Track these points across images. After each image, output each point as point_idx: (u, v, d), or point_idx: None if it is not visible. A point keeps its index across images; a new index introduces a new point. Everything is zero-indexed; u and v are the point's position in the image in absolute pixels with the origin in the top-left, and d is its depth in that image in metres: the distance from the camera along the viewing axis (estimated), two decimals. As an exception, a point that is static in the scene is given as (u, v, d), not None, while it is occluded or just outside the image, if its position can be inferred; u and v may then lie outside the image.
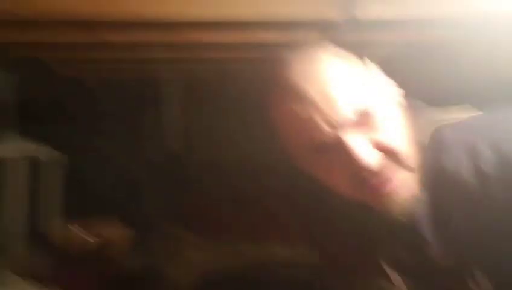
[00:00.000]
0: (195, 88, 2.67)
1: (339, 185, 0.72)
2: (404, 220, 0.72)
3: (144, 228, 1.99)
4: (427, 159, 0.72)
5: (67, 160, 2.16)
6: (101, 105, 2.48)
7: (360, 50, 0.76)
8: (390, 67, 0.78)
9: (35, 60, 1.84)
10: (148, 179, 2.36)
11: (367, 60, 0.75)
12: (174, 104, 2.69)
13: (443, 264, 0.74)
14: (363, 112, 0.67)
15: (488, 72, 1.43)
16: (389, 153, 0.68)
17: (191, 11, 1.20)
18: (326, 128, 0.67)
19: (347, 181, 0.70)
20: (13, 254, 1.55)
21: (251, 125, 1.96)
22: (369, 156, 0.66)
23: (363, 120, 0.67)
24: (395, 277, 0.82)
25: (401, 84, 0.76)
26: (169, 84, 2.68)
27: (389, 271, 0.83)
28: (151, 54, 1.79)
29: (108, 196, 2.08)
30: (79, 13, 1.16)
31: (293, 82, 0.70)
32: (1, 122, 2.01)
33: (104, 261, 1.60)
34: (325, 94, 0.67)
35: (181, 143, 2.65)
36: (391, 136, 0.69)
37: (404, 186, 0.69)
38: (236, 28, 1.40)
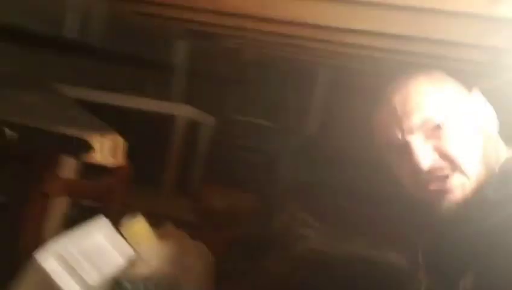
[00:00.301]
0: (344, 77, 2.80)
1: (406, 183, 0.84)
2: (450, 221, 0.82)
3: (271, 202, 2.32)
4: (491, 185, 0.79)
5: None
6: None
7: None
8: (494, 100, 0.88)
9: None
10: (284, 158, 2.63)
11: (474, 90, 0.86)
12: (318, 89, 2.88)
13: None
14: (433, 123, 0.79)
15: None
16: (449, 160, 0.78)
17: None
18: (398, 132, 0.81)
19: (411, 179, 0.82)
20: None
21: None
22: (426, 158, 0.78)
23: (433, 131, 0.79)
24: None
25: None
26: (318, 69, 2.85)
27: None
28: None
29: (245, 170, 2.44)
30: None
31: (387, 92, 0.86)
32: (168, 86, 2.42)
33: (230, 225, 1.98)
34: (404, 104, 0.81)
35: (319, 128, 2.85)
36: (456, 147, 0.79)
37: (459, 190, 0.79)
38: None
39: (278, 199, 2.41)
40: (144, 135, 1.85)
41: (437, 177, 0.79)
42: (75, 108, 1.33)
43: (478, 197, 0.79)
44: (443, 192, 0.79)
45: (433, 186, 0.80)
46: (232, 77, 2.73)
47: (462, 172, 0.79)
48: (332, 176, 2.50)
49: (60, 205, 1.32)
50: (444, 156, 0.79)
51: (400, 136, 0.82)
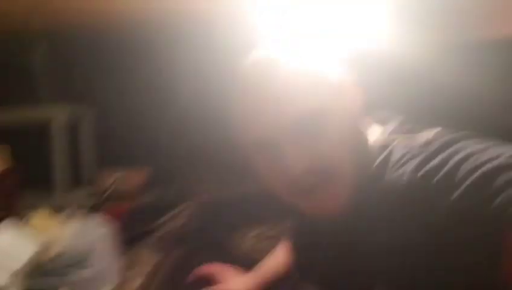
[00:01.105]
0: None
1: (276, 187, 0.74)
2: (330, 228, 0.75)
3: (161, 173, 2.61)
4: (373, 173, 0.72)
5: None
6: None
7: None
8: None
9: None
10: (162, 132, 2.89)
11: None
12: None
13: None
14: (307, 122, 0.67)
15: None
16: (324, 168, 0.68)
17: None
18: (268, 128, 0.68)
19: (281, 183, 0.72)
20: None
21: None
22: (298, 166, 0.67)
23: (306, 131, 0.67)
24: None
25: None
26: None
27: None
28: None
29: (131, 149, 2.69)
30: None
31: (245, 77, 0.72)
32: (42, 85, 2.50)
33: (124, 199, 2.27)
34: (272, 96, 0.68)
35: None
36: (330, 150, 0.68)
37: (333, 199, 0.70)
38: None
39: (165, 169, 2.71)
40: (26, 141, 2.00)
41: (310, 185, 0.69)
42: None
43: (357, 205, 0.71)
44: (319, 204, 0.71)
45: (306, 197, 0.71)
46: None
47: (338, 177, 0.70)
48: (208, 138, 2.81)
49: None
50: (318, 159, 0.68)
51: (267, 133, 0.69)
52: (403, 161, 0.69)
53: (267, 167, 0.73)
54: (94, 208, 1.98)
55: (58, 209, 1.76)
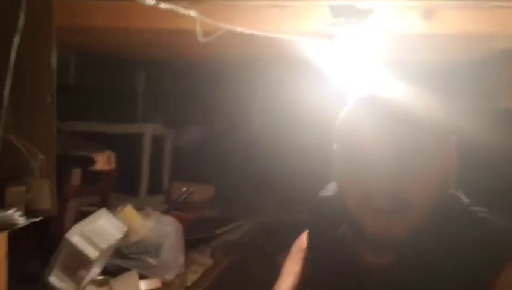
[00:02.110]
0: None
1: (353, 198, 0.82)
2: None
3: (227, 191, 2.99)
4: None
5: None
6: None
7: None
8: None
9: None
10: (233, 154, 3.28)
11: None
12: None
13: None
14: (408, 156, 0.74)
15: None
16: (407, 199, 0.75)
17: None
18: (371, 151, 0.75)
19: (361, 198, 0.79)
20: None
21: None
22: (388, 189, 0.74)
23: (405, 163, 0.74)
24: None
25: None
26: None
27: None
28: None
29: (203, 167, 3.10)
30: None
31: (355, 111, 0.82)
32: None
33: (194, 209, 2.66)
34: (383, 129, 0.76)
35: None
36: (420, 185, 0.75)
37: (401, 227, 0.77)
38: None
39: (231, 188, 3.09)
40: (121, 151, 2.46)
41: (389, 208, 0.74)
42: (75, 137, 1.96)
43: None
44: (386, 227, 0.76)
45: (379, 217, 0.75)
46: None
47: (415, 211, 0.75)
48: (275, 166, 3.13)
49: (72, 205, 1.96)
50: (407, 190, 0.74)
51: (369, 152, 0.74)
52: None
53: (354, 178, 0.77)
54: (166, 212, 2.38)
55: (139, 208, 2.17)
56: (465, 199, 0.82)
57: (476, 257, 0.70)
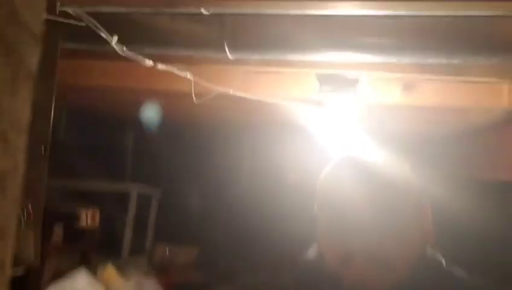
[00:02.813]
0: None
1: (331, 255, 0.82)
2: None
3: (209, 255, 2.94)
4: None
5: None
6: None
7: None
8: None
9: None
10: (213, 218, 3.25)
11: None
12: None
13: None
14: (390, 224, 0.75)
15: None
16: (388, 263, 0.76)
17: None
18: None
19: (341, 256, 0.78)
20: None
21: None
22: (369, 255, 0.74)
23: (386, 233, 0.76)
24: None
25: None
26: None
27: None
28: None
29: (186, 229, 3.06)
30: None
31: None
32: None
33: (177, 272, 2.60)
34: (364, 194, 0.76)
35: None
36: (401, 252, 0.77)
37: (378, 284, 0.78)
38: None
39: (215, 250, 3.04)
40: (106, 209, 2.44)
41: (368, 270, 0.75)
42: (61, 193, 1.95)
43: None
44: (364, 282, 0.77)
45: (357, 274, 0.77)
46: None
47: (393, 273, 0.77)
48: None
49: (52, 262, 1.91)
50: (387, 254, 0.75)
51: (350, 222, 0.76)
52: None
53: (335, 238, 0.78)
54: (149, 273, 2.32)
55: (120, 269, 2.12)
56: (442, 260, 0.83)
57: None
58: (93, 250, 2.11)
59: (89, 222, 1.81)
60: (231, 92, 1.32)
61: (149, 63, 1.10)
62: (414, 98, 1.52)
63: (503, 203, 1.72)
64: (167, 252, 2.78)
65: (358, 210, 0.76)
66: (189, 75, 1.21)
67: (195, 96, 1.27)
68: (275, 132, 2.81)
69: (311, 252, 1.05)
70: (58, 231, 1.87)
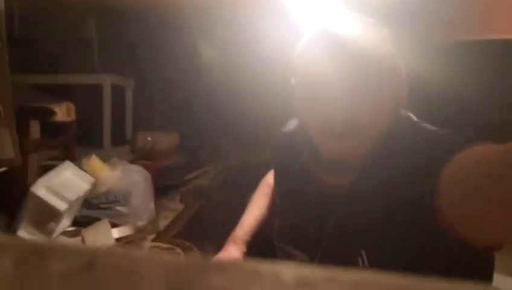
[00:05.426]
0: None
1: (311, 125, 0.86)
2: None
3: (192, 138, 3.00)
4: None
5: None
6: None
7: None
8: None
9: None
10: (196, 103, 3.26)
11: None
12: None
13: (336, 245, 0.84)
14: (364, 80, 0.77)
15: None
16: (361, 125, 0.78)
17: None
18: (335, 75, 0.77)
19: (318, 124, 0.82)
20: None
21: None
22: (342, 116, 0.78)
23: (360, 88, 0.78)
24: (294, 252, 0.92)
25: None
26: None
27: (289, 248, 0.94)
28: None
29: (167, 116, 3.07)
30: None
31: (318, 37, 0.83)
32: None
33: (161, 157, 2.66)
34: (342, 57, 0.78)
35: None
36: (373, 111, 0.79)
37: (354, 149, 0.81)
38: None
39: (195, 134, 3.09)
40: (81, 102, 2.39)
41: (342, 132, 0.78)
42: (31, 90, 1.89)
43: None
44: (341, 149, 0.81)
45: (334, 140, 0.79)
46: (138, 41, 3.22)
47: (367, 135, 0.80)
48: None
49: (33, 159, 1.92)
50: (360, 115, 0.77)
51: (326, 82, 0.78)
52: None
53: (312, 108, 0.81)
54: (133, 162, 2.37)
55: (104, 159, 2.15)
56: (414, 118, 0.86)
57: (422, 167, 0.72)
58: (73, 143, 2.11)
59: (65, 116, 1.78)
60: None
61: None
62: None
63: (481, 61, 1.75)
64: (149, 139, 2.81)
65: (334, 78, 0.77)
66: None
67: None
68: (245, 11, 2.69)
69: (290, 125, 1.08)
70: (35, 127, 1.85)
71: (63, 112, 1.72)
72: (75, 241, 1.77)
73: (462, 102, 1.81)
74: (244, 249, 1.15)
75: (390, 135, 0.81)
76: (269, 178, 1.25)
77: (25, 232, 1.70)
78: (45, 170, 1.90)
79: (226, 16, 3.13)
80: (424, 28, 1.88)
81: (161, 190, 2.29)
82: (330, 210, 0.86)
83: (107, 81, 2.69)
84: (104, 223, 1.86)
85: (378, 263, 0.76)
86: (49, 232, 1.75)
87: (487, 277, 0.77)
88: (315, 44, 0.83)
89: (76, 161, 2.05)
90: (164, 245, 1.83)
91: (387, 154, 0.80)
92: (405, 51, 0.89)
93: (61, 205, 1.76)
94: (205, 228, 2.37)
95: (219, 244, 1.20)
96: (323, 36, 0.82)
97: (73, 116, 1.82)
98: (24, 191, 1.75)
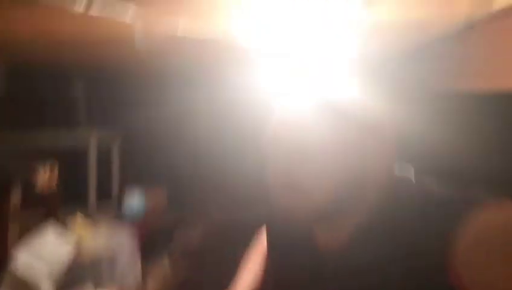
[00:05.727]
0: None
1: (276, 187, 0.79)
2: None
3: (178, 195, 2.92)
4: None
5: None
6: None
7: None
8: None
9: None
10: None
11: None
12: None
13: None
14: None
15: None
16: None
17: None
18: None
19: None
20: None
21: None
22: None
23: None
24: None
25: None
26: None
27: None
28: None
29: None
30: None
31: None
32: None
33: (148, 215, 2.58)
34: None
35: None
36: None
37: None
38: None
39: (181, 191, 3.03)
40: (66, 161, 2.32)
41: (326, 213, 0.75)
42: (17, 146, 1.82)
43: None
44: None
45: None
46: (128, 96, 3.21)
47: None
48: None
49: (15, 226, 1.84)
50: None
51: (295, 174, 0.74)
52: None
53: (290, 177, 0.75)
54: (118, 217, 2.30)
55: (90, 218, 2.08)
56: (412, 173, 0.81)
57: (424, 233, 0.69)
58: (57, 203, 2.03)
59: (48, 176, 1.72)
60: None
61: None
62: (375, 11, 1.44)
63: (471, 112, 1.73)
64: (135, 194, 2.73)
65: (313, 146, 0.74)
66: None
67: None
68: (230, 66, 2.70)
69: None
70: (16, 192, 1.77)
71: (46, 173, 1.66)
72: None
73: (467, 153, 1.77)
74: None
75: (386, 199, 0.77)
76: (261, 239, 1.19)
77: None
78: (28, 232, 1.82)
79: (211, 72, 3.17)
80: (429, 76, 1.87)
81: (148, 248, 2.21)
82: (322, 274, 0.81)
83: (92, 138, 2.65)
84: (89, 288, 1.76)
85: None
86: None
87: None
88: (295, 109, 0.78)
89: (60, 219, 1.97)
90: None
91: (385, 217, 0.76)
92: (408, 101, 0.84)
93: (42, 284, 1.66)
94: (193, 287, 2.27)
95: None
96: (304, 101, 0.78)
97: (55, 177, 1.75)
98: (4, 260, 1.66)
